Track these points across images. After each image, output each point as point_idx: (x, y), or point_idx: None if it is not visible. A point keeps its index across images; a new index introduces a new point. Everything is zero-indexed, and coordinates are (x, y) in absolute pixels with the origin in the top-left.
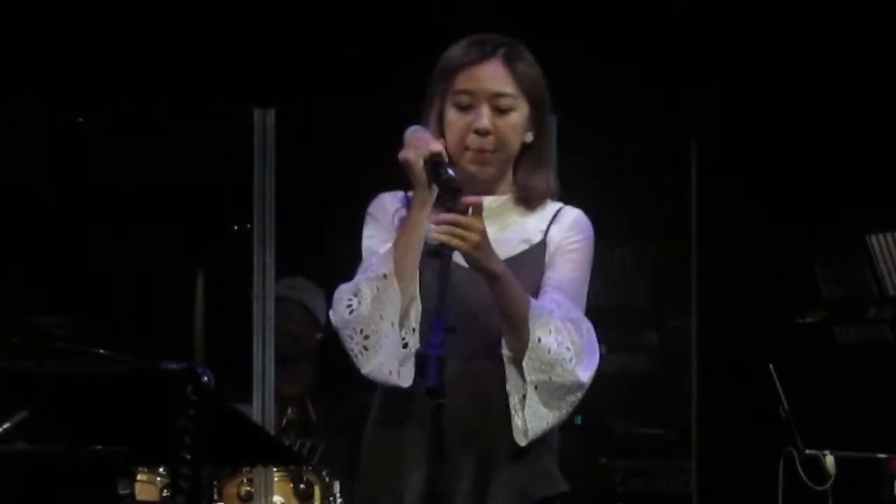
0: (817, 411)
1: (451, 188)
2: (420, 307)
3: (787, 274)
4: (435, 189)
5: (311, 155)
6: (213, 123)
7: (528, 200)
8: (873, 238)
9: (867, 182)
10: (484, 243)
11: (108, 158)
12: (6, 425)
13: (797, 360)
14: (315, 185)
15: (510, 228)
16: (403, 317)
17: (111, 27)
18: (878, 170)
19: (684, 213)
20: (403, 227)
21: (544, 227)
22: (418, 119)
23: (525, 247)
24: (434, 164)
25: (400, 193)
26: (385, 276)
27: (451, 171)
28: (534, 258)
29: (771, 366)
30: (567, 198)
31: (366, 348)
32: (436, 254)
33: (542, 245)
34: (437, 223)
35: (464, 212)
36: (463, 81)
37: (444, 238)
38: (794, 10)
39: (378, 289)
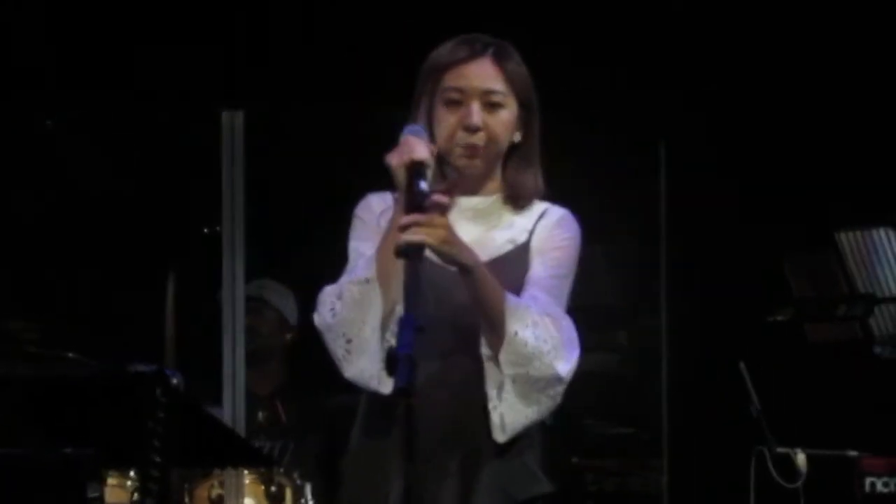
0: (788, 409)
1: (417, 203)
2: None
3: (757, 272)
4: None
5: (281, 157)
6: (181, 125)
7: (516, 200)
8: (842, 235)
9: (836, 180)
10: (451, 237)
11: (75, 160)
12: None
13: (768, 359)
14: (285, 188)
15: (497, 228)
16: (386, 321)
17: (76, 27)
18: (847, 167)
19: (654, 212)
20: (386, 231)
21: (530, 227)
22: (404, 120)
23: (510, 247)
24: (413, 173)
25: (387, 194)
26: (367, 280)
27: (423, 185)
28: (519, 257)
29: (741, 364)
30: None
31: (348, 352)
32: (404, 254)
33: (527, 244)
34: (401, 225)
35: (425, 210)
36: (452, 79)
37: (410, 237)
38: (761, 11)
39: (361, 293)
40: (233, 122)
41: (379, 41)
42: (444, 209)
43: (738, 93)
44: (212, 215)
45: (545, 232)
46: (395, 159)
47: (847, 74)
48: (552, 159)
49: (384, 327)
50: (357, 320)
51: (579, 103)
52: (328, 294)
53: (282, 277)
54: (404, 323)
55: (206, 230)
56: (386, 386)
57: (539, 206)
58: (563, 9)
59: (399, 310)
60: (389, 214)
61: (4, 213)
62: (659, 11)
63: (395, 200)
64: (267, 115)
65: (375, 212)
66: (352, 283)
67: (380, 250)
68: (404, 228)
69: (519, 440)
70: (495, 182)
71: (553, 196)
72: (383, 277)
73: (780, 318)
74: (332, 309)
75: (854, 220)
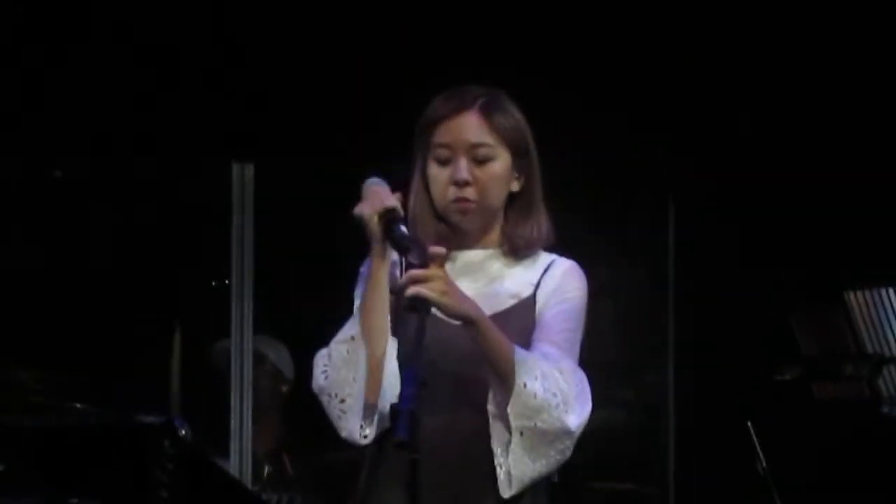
0: (795, 468)
1: (403, 246)
2: (395, 364)
3: (765, 330)
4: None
5: (291, 210)
6: (191, 177)
7: (516, 251)
8: (851, 295)
9: (845, 239)
10: (451, 289)
11: (85, 212)
12: None
13: (775, 417)
14: (294, 241)
15: (498, 282)
16: (375, 376)
17: (88, 80)
18: (856, 226)
19: (662, 267)
20: (366, 285)
21: (535, 281)
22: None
23: (514, 301)
24: (388, 220)
25: (393, 252)
26: (353, 338)
27: (403, 228)
28: (523, 312)
29: (749, 422)
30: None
31: (342, 412)
32: (412, 307)
33: (533, 299)
34: (400, 283)
35: (423, 265)
36: (441, 135)
37: (411, 292)
38: (771, 66)
39: (348, 351)
40: (243, 174)
41: (391, 94)
42: (439, 259)
43: (748, 151)
44: (220, 267)
45: (552, 284)
46: (367, 209)
47: (857, 131)
48: (560, 213)
49: (374, 383)
50: (347, 379)
51: (588, 157)
52: (320, 357)
53: (289, 330)
54: (406, 377)
55: (213, 282)
56: (369, 439)
57: (545, 258)
58: (573, 62)
59: (390, 364)
60: (395, 270)
61: (11, 263)
62: (669, 67)
63: (371, 253)
64: (278, 168)
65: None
66: (339, 343)
67: (362, 305)
68: (405, 284)
69: (524, 496)
70: (494, 234)
71: (561, 250)
72: (367, 332)
73: (787, 376)
74: (324, 371)
75: (863, 278)
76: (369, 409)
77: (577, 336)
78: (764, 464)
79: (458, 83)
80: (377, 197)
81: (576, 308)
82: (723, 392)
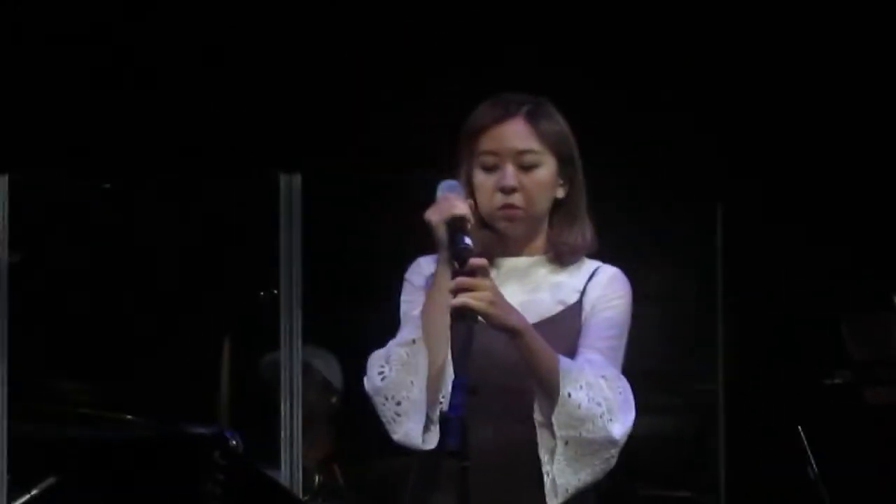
0: (847, 474)
1: (462, 258)
2: (452, 372)
3: (815, 334)
4: None
5: (338, 219)
6: (239, 188)
7: (561, 257)
8: None
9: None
10: (497, 299)
11: (133, 224)
12: (34, 492)
13: (826, 422)
14: (342, 251)
15: (544, 289)
16: (435, 382)
17: (136, 92)
18: None
19: (711, 273)
20: (429, 291)
21: (581, 287)
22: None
23: (561, 308)
24: (454, 228)
25: (438, 257)
26: (414, 341)
27: (467, 241)
28: (570, 319)
29: (799, 428)
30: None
31: (398, 414)
32: (460, 316)
33: (579, 305)
34: (450, 291)
35: (471, 273)
36: (487, 142)
37: (458, 302)
38: (821, 69)
39: (407, 354)
40: (290, 184)
41: (438, 103)
42: (484, 270)
43: (797, 153)
44: (268, 279)
45: (597, 292)
46: (434, 216)
47: None
48: (608, 220)
49: (433, 388)
50: (405, 382)
51: (635, 162)
52: (377, 358)
53: (339, 340)
54: (455, 385)
55: (262, 293)
56: (430, 445)
57: (589, 265)
58: (620, 64)
59: (448, 370)
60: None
61: (61, 274)
62: (715, 70)
63: (439, 259)
64: (325, 178)
65: (425, 274)
66: (398, 346)
67: (424, 310)
68: (453, 293)
69: (571, 502)
70: (540, 241)
71: (609, 258)
72: (429, 338)
73: (838, 380)
74: (381, 372)
75: None
76: (431, 415)
77: (622, 343)
78: (815, 469)
79: (503, 90)
80: (447, 203)
81: (620, 315)
82: (773, 397)
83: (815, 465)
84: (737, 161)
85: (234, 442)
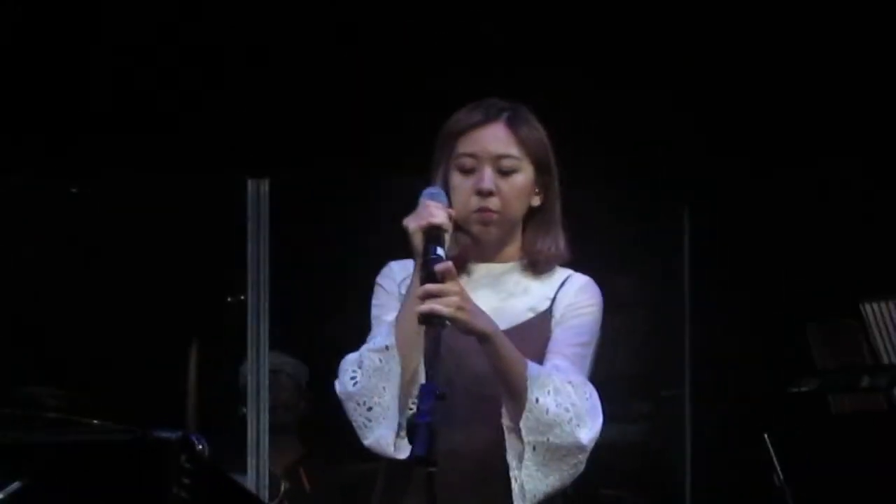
0: (812, 481)
1: (429, 270)
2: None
3: (780, 342)
4: None
5: (306, 225)
6: (207, 193)
7: (535, 265)
8: (867, 306)
9: (861, 250)
10: (465, 304)
11: (100, 229)
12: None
13: (791, 430)
14: (310, 255)
15: (515, 296)
16: (407, 388)
17: (104, 96)
18: (872, 238)
19: (677, 280)
20: (405, 299)
21: (552, 295)
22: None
23: (531, 315)
24: (430, 238)
25: (409, 262)
26: (387, 347)
27: (439, 251)
28: (540, 326)
29: (765, 435)
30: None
31: (369, 420)
32: (428, 321)
33: (549, 312)
34: (417, 296)
35: (439, 279)
36: (466, 145)
37: (425, 308)
38: (789, 73)
39: (381, 360)
40: (258, 189)
41: (408, 107)
42: (451, 275)
43: (765, 158)
44: (235, 283)
45: (567, 299)
46: (412, 223)
47: (879, 141)
48: (574, 226)
49: (405, 395)
50: (377, 388)
51: (606, 172)
52: (349, 362)
53: (306, 346)
54: (424, 391)
55: (229, 298)
56: (402, 452)
57: (561, 273)
58: (586, 71)
59: (420, 378)
60: (410, 282)
61: (26, 280)
62: (683, 77)
63: (415, 266)
64: (293, 183)
65: (397, 279)
66: (372, 351)
67: (399, 318)
68: (421, 299)
69: None
70: (514, 248)
71: (575, 264)
72: (402, 345)
73: (803, 388)
74: (353, 377)
75: (879, 290)
76: (402, 421)
77: (590, 351)
78: (781, 477)
79: (480, 95)
80: (426, 211)
81: (590, 323)
82: (739, 405)
83: (780, 472)
84: (704, 165)
85: (200, 446)
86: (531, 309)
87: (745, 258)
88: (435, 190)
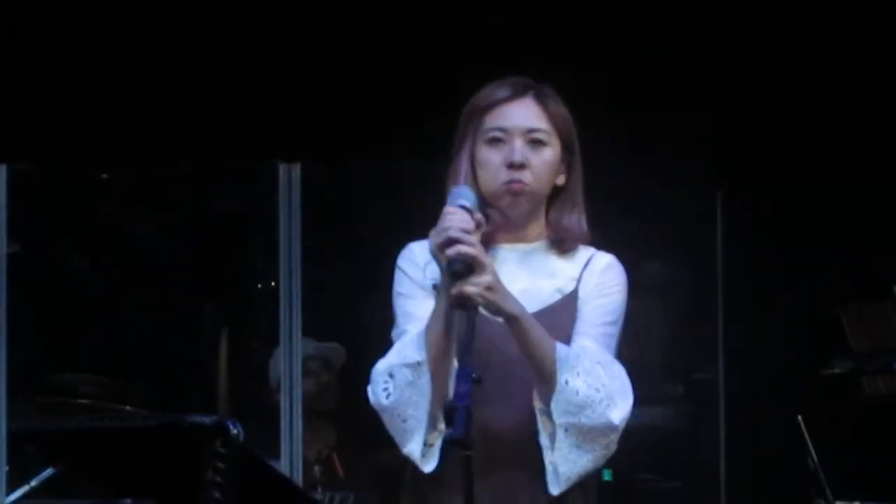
0: (846, 463)
1: (453, 272)
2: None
3: (814, 325)
4: None
5: (338, 210)
6: (238, 179)
7: (560, 243)
8: None
9: (894, 231)
10: (496, 286)
11: (132, 216)
12: (33, 483)
13: (825, 412)
14: (342, 241)
15: (541, 276)
16: (439, 398)
17: (133, 84)
18: None
19: (711, 263)
20: (433, 312)
21: (577, 275)
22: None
23: (559, 296)
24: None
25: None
26: (419, 363)
27: (458, 266)
28: (567, 307)
29: (799, 417)
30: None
31: (405, 431)
32: (461, 306)
33: (575, 293)
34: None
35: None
36: (495, 119)
37: (455, 291)
38: (822, 61)
39: (412, 375)
40: (290, 174)
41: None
42: (479, 262)
43: (796, 141)
44: (268, 270)
45: (593, 279)
46: (433, 239)
47: None
48: (608, 210)
49: (436, 406)
50: (411, 401)
51: (635, 153)
52: (379, 374)
53: (339, 332)
54: (460, 375)
55: (259, 285)
56: (429, 465)
57: (584, 253)
58: (620, 56)
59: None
60: (435, 265)
61: (60, 268)
62: (717, 59)
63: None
64: (324, 168)
65: (420, 263)
66: (402, 366)
67: (429, 330)
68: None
69: (572, 492)
70: (539, 226)
71: (609, 247)
72: (434, 360)
73: (836, 371)
74: (386, 389)
75: None
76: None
77: (616, 331)
78: (815, 459)
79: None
80: (447, 223)
81: (616, 303)
82: (773, 388)
83: (814, 455)
84: (736, 148)
85: (235, 431)
86: (558, 290)
87: (779, 241)
88: (461, 190)
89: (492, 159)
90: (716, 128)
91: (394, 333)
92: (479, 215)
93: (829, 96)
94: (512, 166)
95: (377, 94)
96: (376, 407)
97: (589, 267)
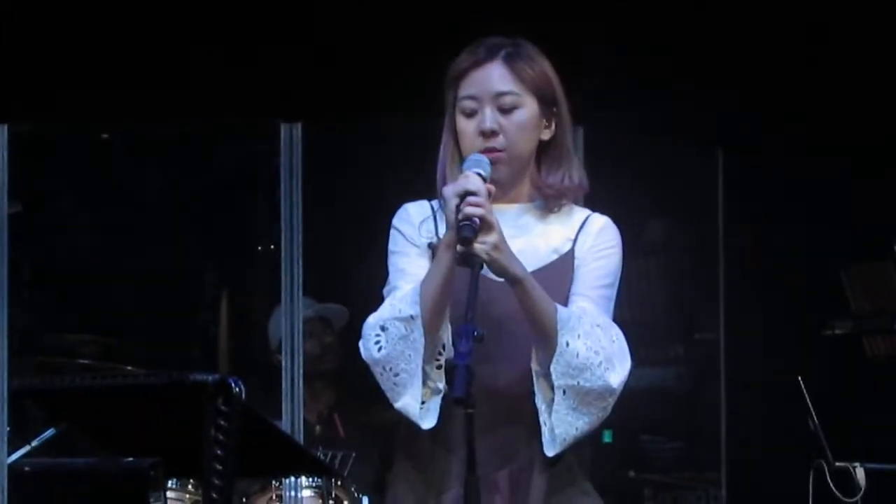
0: (847, 423)
1: (462, 237)
2: (448, 343)
3: (815, 285)
4: None
5: (340, 170)
6: (239, 139)
7: (548, 199)
8: None
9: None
10: (502, 245)
11: (133, 177)
12: (34, 443)
13: (826, 372)
14: (344, 201)
15: (537, 236)
16: (431, 355)
17: (134, 43)
18: None
19: (711, 224)
20: (431, 268)
21: (573, 236)
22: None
23: (555, 257)
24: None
25: (424, 202)
26: (412, 317)
27: (475, 221)
28: (563, 268)
29: (799, 378)
30: (591, 209)
31: (395, 384)
32: (465, 262)
33: (571, 254)
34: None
35: (476, 231)
36: (466, 87)
37: (462, 249)
38: (821, 18)
39: (406, 329)
40: (291, 134)
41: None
42: (488, 223)
43: (798, 100)
44: (269, 230)
45: (589, 241)
46: (448, 191)
47: None
48: (609, 170)
49: (429, 361)
50: (403, 355)
51: (639, 114)
52: (372, 327)
53: (341, 292)
54: (462, 333)
55: (260, 246)
56: (427, 421)
57: (580, 214)
58: (622, 11)
59: (445, 340)
60: (430, 225)
61: (61, 229)
62: (719, 17)
63: (433, 207)
64: (326, 128)
65: (415, 222)
66: (396, 320)
67: (424, 285)
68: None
69: (567, 454)
70: (526, 187)
71: (610, 208)
72: (427, 314)
73: (837, 331)
74: (378, 342)
75: None
76: (428, 386)
77: (613, 293)
78: (815, 420)
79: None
80: (465, 183)
81: (613, 264)
82: (773, 347)
83: (814, 415)
84: (738, 107)
85: (237, 389)
86: (555, 251)
87: (780, 201)
88: (480, 157)
89: (467, 129)
90: (717, 84)
91: (385, 290)
92: (490, 185)
93: (832, 54)
94: (484, 134)
95: (379, 53)
96: (368, 360)
97: (584, 228)
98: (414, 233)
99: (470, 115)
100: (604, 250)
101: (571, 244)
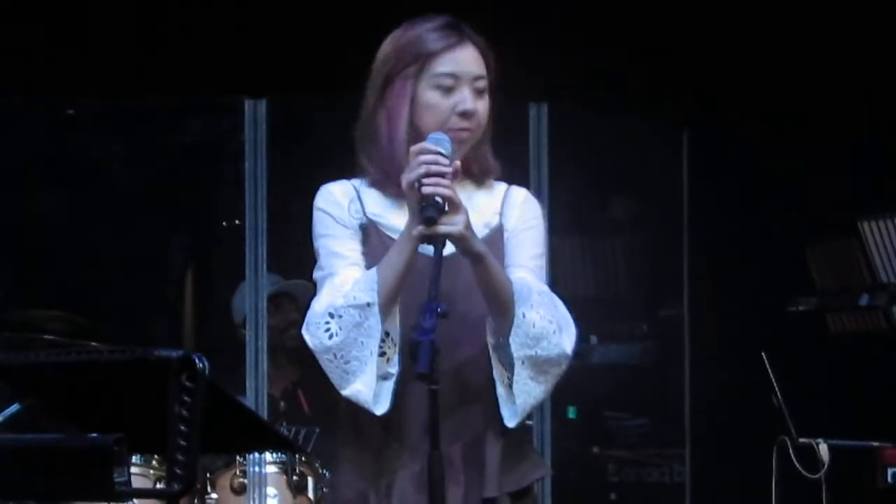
0: (810, 400)
1: (426, 217)
2: (399, 328)
3: (779, 262)
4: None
5: (304, 145)
6: (204, 114)
7: (476, 176)
8: (865, 224)
9: (859, 169)
10: (469, 224)
11: (98, 152)
12: None
13: (790, 349)
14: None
15: (470, 212)
16: (384, 340)
17: (100, 20)
18: (870, 156)
19: (676, 202)
20: (391, 253)
21: (498, 209)
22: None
23: (487, 231)
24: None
25: (346, 182)
26: (368, 304)
27: (439, 202)
28: (496, 240)
29: (763, 354)
30: (557, 188)
31: (346, 372)
32: (429, 239)
33: (500, 227)
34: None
35: (443, 211)
36: (445, 64)
37: (432, 230)
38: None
39: (361, 316)
40: (256, 109)
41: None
42: (455, 203)
43: (762, 82)
44: (233, 207)
45: (516, 212)
46: (405, 178)
47: (874, 68)
48: (575, 151)
49: (382, 347)
50: (357, 342)
51: (605, 94)
52: (320, 315)
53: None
54: (427, 309)
55: (225, 221)
56: (380, 407)
57: (499, 187)
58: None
59: (396, 325)
60: (357, 205)
61: (27, 206)
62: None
63: (356, 188)
64: (290, 104)
65: (342, 203)
66: (351, 307)
67: (381, 272)
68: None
69: (519, 429)
70: (463, 166)
71: (575, 188)
72: (384, 300)
73: (802, 307)
74: (328, 330)
75: (877, 208)
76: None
77: (545, 262)
78: (779, 396)
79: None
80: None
81: (541, 234)
82: (738, 324)
83: (778, 391)
84: (703, 87)
85: (201, 365)
86: (486, 225)
87: (745, 179)
88: (440, 136)
89: (441, 105)
90: (683, 66)
91: (318, 275)
92: (456, 163)
93: (797, 35)
94: (464, 115)
95: (342, 28)
96: (316, 349)
97: (508, 200)
98: (343, 214)
99: (446, 92)
100: (531, 220)
101: (499, 217)
